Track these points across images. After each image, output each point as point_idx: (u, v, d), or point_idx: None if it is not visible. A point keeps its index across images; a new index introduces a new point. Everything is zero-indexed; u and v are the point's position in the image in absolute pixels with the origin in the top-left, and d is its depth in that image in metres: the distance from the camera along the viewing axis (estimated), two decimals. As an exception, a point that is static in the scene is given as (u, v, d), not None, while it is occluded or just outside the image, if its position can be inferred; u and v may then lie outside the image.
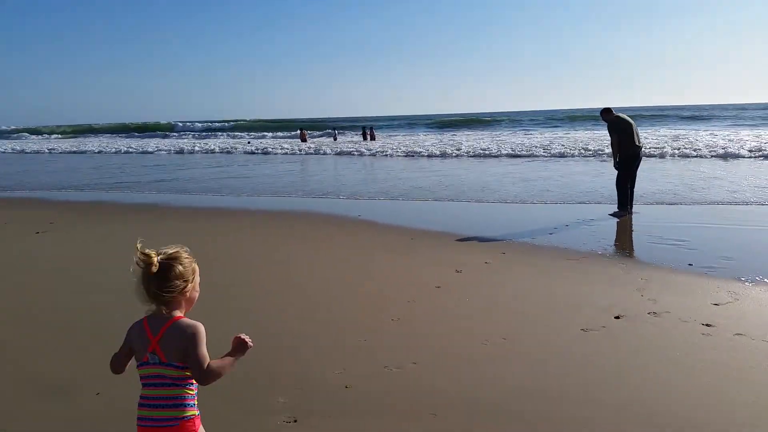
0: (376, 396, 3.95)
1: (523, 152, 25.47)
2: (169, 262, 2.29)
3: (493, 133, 45.22)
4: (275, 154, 32.71)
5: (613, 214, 10.87)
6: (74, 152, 39.56)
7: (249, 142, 43.37)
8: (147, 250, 2.26)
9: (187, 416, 2.32)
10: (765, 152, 20.44)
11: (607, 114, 11.31)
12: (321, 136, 51.07)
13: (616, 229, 9.87)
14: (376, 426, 3.60)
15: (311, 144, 39.63)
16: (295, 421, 3.66)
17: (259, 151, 34.47)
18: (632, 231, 9.47)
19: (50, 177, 21.83)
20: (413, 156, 27.31)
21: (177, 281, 2.30)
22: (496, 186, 15.54)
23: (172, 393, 2.31)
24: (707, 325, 5.01)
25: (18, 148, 44.62)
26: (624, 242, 8.68)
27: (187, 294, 2.37)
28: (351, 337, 4.97)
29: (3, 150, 42.66)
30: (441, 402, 3.84)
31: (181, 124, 70.27)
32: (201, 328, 2.33)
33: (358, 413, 3.74)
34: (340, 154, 30.83)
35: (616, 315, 5.34)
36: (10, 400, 4.00)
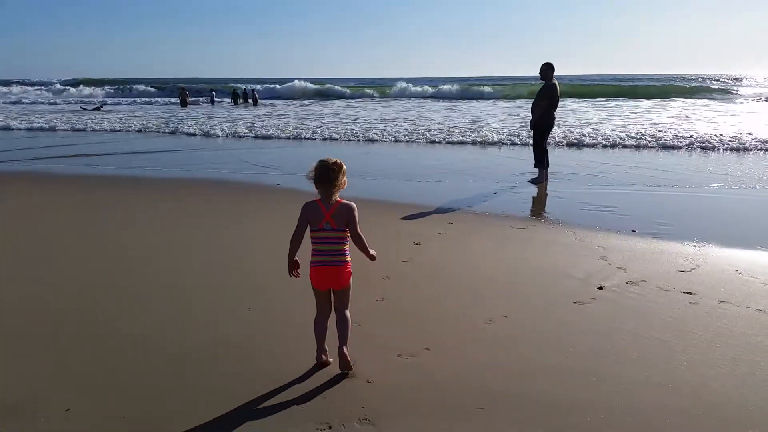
0: (403, 391, 3.58)
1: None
2: (340, 164, 3.65)
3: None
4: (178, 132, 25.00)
5: (532, 181, 11.06)
6: None
7: (101, 106, 37.98)
8: (336, 160, 3.64)
9: (347, 260, 3.70)
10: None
11: (548, 71, 10.79)
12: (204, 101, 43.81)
13: (542, 195, 10.02)
14: (417, 427, 3.24)
15: (196, 109, 36.48)
16: (330, 427, 3.20)
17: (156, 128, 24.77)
18: (559, 198, 9.63)
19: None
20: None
21: (344, 176, 3.66)
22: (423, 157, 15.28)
23: (339, 248, 3.66)
24: (688, 293, 5.12)
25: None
26: (558, 209, 8.76)
27: (344, 185, 3.68)
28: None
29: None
30: (467, 393, 3.55)
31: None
32: (356, 206, 3.69)
33: (392, 414, 3.35)
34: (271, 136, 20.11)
35: (599, 286, 5.33)
36: None
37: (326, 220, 3.59)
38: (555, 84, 10.92)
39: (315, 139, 19.56)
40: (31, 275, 5.83)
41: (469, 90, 48.39)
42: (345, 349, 3.73)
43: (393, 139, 18.90)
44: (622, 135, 17.88)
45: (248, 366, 3.91)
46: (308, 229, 3.68)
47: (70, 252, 6.62)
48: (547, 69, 10.87)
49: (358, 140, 18.97)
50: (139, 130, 22.50)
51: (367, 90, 52.02)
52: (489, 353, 4.10)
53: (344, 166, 3.68)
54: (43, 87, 63.13)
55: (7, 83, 66.20)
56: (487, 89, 47.67)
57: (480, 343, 4.26)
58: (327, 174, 3.59)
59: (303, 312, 4.53)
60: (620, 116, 25.70)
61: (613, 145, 16.31)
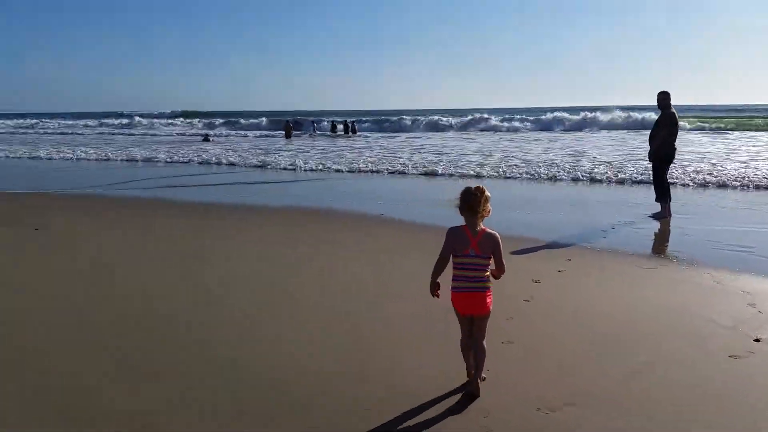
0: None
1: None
2: (483, 190, 3.72)
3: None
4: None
5: (654, 216, 10.30)
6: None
7: (208, 137, 36.71)
8: (478, 186, 3.74)
9: (489, 286, 3.77)
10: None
11: (667, 99, 10.27)
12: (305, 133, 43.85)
13: (666, 232, 9.30)
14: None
15: (304, 143, 37.29)
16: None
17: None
18: (686, 235, 8.86)
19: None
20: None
21: (487, 203, 3.73)
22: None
23: (482, 275, 3.73)
24: None
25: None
26: (688, 248, 8.01)
27: (488, 213, 3.76)
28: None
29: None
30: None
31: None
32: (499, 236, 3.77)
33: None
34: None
35: (755, 338, 4.69)
36: None
37: (472, 246, 3.68)
38: (674, 113, 10.31)
39: (417, 172, 18.86)
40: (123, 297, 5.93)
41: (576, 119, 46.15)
42: (479, 379, 3.84)
43: (492, 172, 18.21)
44: (747, 169, 16.51)
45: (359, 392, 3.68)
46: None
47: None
48: (665, 97, 10.32)
49: (458, 173, 18.38)
50: (241, 164, 22.47)
51: (456, 120, 50.16)
52: (641, 409, 3.63)
53: (487, 192, 3.72)
54: (157, 119, 67.61)
55: (119, 116, 71.75)
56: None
57: (629, 397, 3.80)
58: (470, 200, 3.68)
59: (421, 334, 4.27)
60: (742, 149, 23.83)
61: (740, 183, 14.75)
